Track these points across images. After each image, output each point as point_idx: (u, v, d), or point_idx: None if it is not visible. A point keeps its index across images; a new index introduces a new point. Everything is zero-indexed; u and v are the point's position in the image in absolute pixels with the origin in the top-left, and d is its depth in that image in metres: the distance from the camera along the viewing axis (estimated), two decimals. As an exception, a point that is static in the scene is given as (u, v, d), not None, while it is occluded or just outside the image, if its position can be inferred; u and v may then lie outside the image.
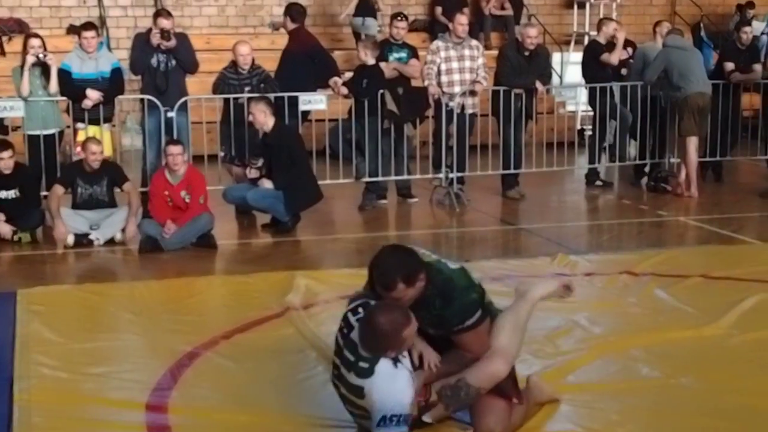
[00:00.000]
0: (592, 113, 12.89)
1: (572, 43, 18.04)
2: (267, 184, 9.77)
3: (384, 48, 11.28)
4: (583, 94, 13.26)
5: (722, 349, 5.90)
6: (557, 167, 12.21)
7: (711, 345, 5.97)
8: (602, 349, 5.95)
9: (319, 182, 10.33)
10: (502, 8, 17.63)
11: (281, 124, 10.11)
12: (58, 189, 9.33)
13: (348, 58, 15.24)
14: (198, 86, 11.78)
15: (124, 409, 5.04)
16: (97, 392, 5.30)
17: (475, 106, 11.51)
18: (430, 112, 11.55)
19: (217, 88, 10.73)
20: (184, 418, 4.87)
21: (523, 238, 9.74)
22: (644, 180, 12.40)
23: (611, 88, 12.04)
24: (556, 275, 7.67)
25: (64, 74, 10.00)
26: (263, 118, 9.69)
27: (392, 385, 4.19)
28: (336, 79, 11.20)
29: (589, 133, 13.50)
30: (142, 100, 10.55)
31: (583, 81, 12.61)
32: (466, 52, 11.36)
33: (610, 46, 12.23)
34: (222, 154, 10.78)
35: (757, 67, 12.60)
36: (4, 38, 15.37)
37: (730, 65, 12.53)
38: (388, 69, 11.05)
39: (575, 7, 18.38)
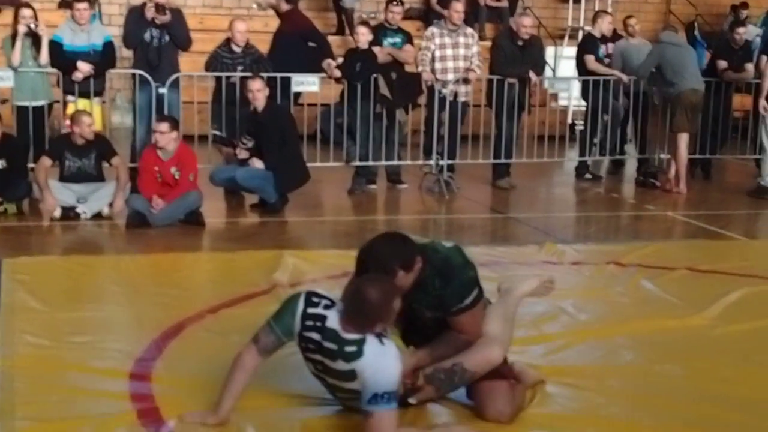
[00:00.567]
0: (584, 108, 12.91)
1: (566, 38, 18.06)
2: (257, 164, 9.73)
3: (378, 32, 11.25)
4: (575, 89, 13.27)
5: (706, 339, 5.91)
6: (548, 158, 12.23)
7: (695, 335, 5.98)
8: (587, 335, 5.96)
9: (309, 165, 10.31)
10: (498, -1, 17.65)
11: (274, 103, 10.08)
12: (46, 161, 9.29)
13: (341, 44, 15.20)
14: (190, 65, 11.73)
15: (107, 377, 5.00)
16: (80, 360, 5.27)
17: (467, 95, 11.50)
18: (423, 100, 11.54)
19: (209, 66, 10.70)
20: (167, 388, 4.84)
21: (512, 226, 9.74)
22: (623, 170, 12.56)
23: (604, 81, 12.04)
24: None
25: (55, 46, 9.97)
26: (262, 97, 9.67)
27: (383, 362, 4.16)
28: (329, 61, 11.18)
29: (581, 128, 13.52)
30: (133, 75, 10.51)
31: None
32: (461, 39, 11.36)
33: (605, 40, 12.26)
34: (215, 133, 10.74)
35: (749, 67, 12.67)
36: (-5, 10, 15.31)
37: (723, 63, 12.60)
38: (381, 53, 11.02)
39: (570, 1, 18.39)
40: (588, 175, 12.44)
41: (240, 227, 9.58)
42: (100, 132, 9.96)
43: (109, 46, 10.24)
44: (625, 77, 12.03)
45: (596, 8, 16.60)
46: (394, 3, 11.50)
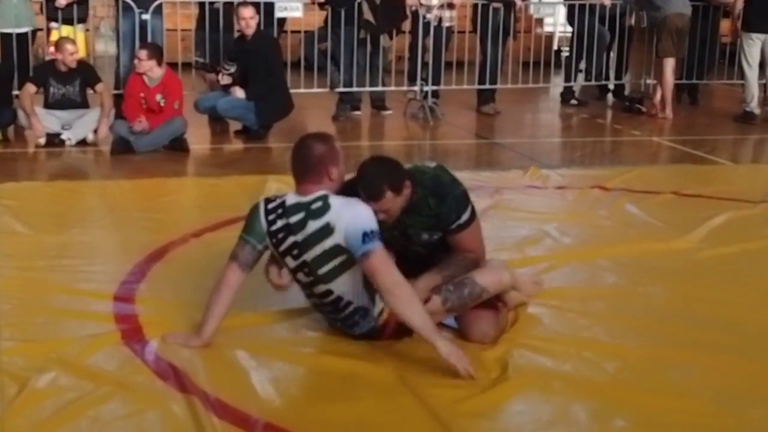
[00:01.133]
0: (569, 35, 12.84)
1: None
2: (239, 93, 9.67)
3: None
4: (561, 14, 13.19)
5: (691, 262, 5.92)
6: (533, 84, 12.18)
7: (680, 257, 5.99)
8: (571, 258, 5.97)
9: (293, 91, 10.27)
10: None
11: (263, 31, 10.00)
12: (30, 87, 9.23)
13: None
14: (173, -7, 11.62)
15: (91, 298, 5.02)
16: (65, 283, 5.28)
17: (452, 20, 11.43)
18: (407, 25, 11.46)
19: (193, -9, 10.60)
20: (151, 308, 4.87)
21: (497, 152, 9.73)
22: (609, 96, 12.45)
23: (590, 5, 11.96)
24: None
25: (37, -29, 9.87)
26: (254, 24, 9.60)
27: (353, 206, 4.25)
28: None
29: (566, 54, 13.46)
30: (116, 1, 10.40)
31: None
32: (446, -37, 11.27)
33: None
34: (197, 59, 10.66)
35: (738, -11, 12.55)
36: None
37: (710, -15, 12.51)
38: (365, -23, 10.93)
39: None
40: (573, 101, 12.41)
41: (224, 153, 9.56)
42: (84, 59, 9.88)
43: (90, -31, 10.14)
44: (607, 0, 11.96)
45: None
46: (378, -75, 11.35)
